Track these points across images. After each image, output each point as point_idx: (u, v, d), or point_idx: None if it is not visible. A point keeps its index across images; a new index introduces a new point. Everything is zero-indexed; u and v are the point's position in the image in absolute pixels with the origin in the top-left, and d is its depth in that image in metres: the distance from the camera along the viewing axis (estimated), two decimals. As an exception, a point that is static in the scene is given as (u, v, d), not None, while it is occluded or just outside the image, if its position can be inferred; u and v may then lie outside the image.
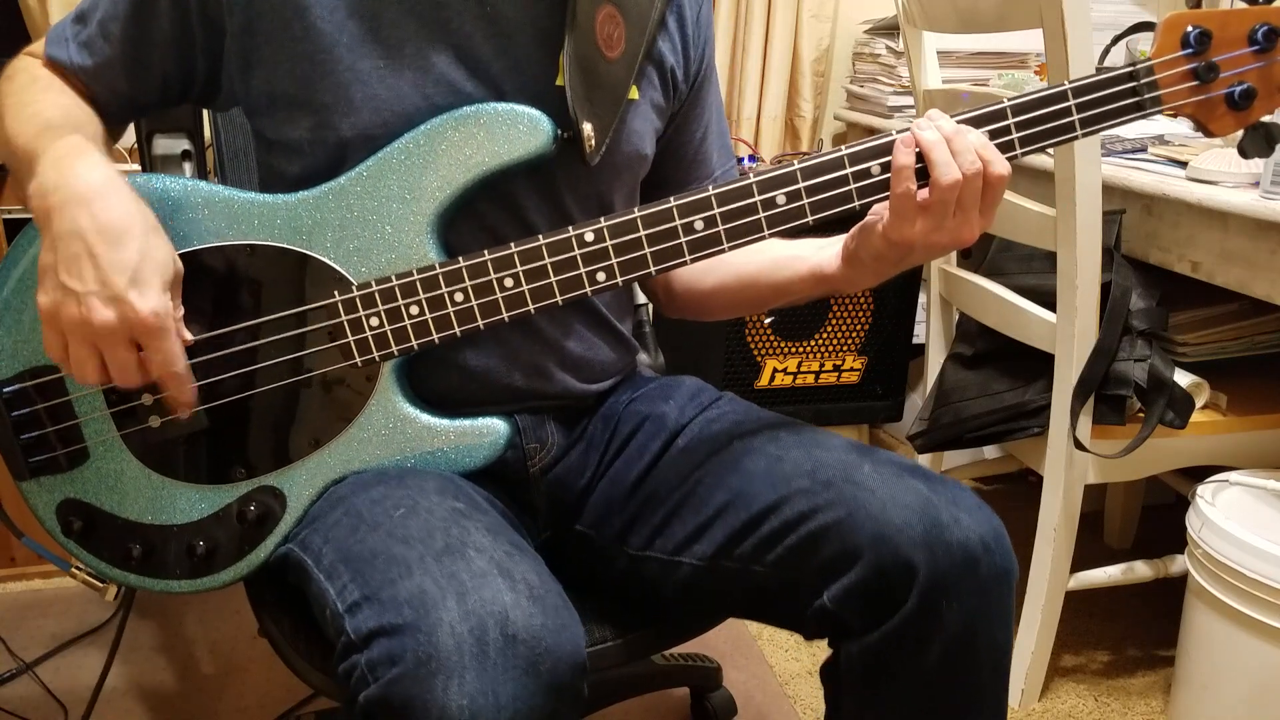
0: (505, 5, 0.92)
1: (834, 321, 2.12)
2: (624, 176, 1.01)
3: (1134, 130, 1.65)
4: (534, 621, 0.74)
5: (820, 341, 2.13)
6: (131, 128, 1.50)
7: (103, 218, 0.81)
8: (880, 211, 0.88)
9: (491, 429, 0.95)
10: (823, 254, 0.96)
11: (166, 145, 1.56)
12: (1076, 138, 0.87)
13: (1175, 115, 0.91)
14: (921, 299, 2.19)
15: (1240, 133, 0.91)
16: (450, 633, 0.72)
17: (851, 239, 0.92)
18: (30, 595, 1.88)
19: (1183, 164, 1.43)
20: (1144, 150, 1.57)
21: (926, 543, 0.84)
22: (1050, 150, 1.43)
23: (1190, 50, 0.87)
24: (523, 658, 0.73)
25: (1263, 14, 0.87)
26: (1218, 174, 1.34)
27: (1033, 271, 1.64)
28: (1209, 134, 0.90)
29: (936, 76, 1.78)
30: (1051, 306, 1.47)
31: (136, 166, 1.67)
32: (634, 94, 0.99)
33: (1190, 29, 0.86)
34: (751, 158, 2.40)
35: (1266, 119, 0.90)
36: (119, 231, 0.82)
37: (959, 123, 0.85)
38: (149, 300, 0.81)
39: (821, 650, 0.94)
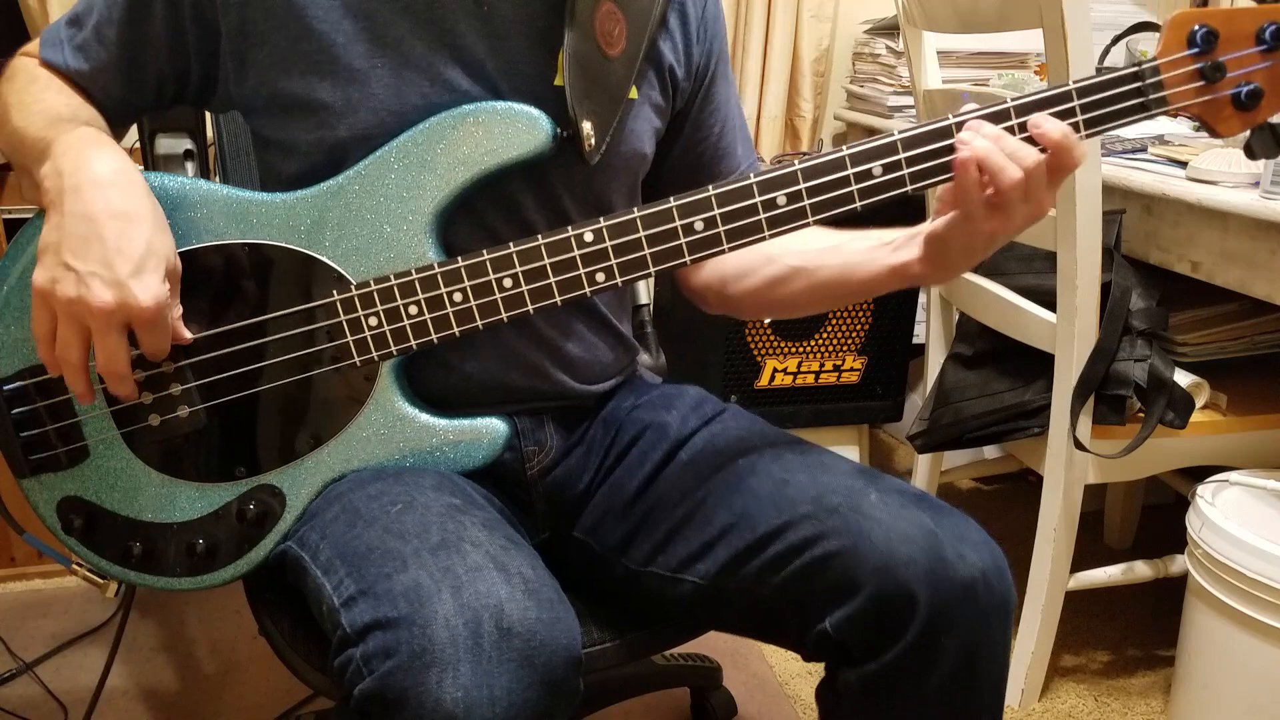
0: (502, 4, 0.92)
1: (834, 321, 2.12)
2: (622, 176, 1.01)
3: (1134, 130, 1.65)
4: (529, 615, 0.74)
5: (820, 341, 2.13)
6: (134, 127, 1.50)
7: (116, 204, 0.83)
8: (945, 203, 0.87)
9: (490, 429, 0.95)
10: (904, 254, 0.94)
11: (169, 145, 1.56)
12: (1081, 139, 0.86)
13: (1176, 115, 0.90)
14: (921, 299, 2.19)
15: (1247, 133, 0.91)
16: (445, 625, 0.72)
17: (935, 240, 0.90)
18: (30, 595, 1.88)
19: (1183, 164, 1.43)
20: (1144, 150, 1.57)
21: (930, 578, 0.83)
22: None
23: (1196, 50, 0.85)
24: (517, 650, 0.73)
25: (1270, 13, 0.85)
26: (1218, 174, 1.34)
27: (1033, 271, 1.64)
28: (1215, 135, 0.89)
29: (936, 76, 1.78)
30: (1051, 306, 1.47)
31: (139, 167, 1.67)
32: (633, 93, 0.99)
33: (1197, 28, 0.85)
34: (752, 158, 2.40)
35: (1274, 119, 0.89)
36: (130, 219, 0.83)
37: (965, 119, 0.85)
38: (149, 288, 0.82)
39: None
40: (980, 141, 0.83)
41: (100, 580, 0.98)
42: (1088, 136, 0.87)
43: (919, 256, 0.92)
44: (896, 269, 0.95)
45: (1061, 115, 0.86)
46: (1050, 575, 1.55)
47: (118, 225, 0.82)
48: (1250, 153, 0.90)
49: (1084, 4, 1.28)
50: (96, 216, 0.82)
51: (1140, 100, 0.86)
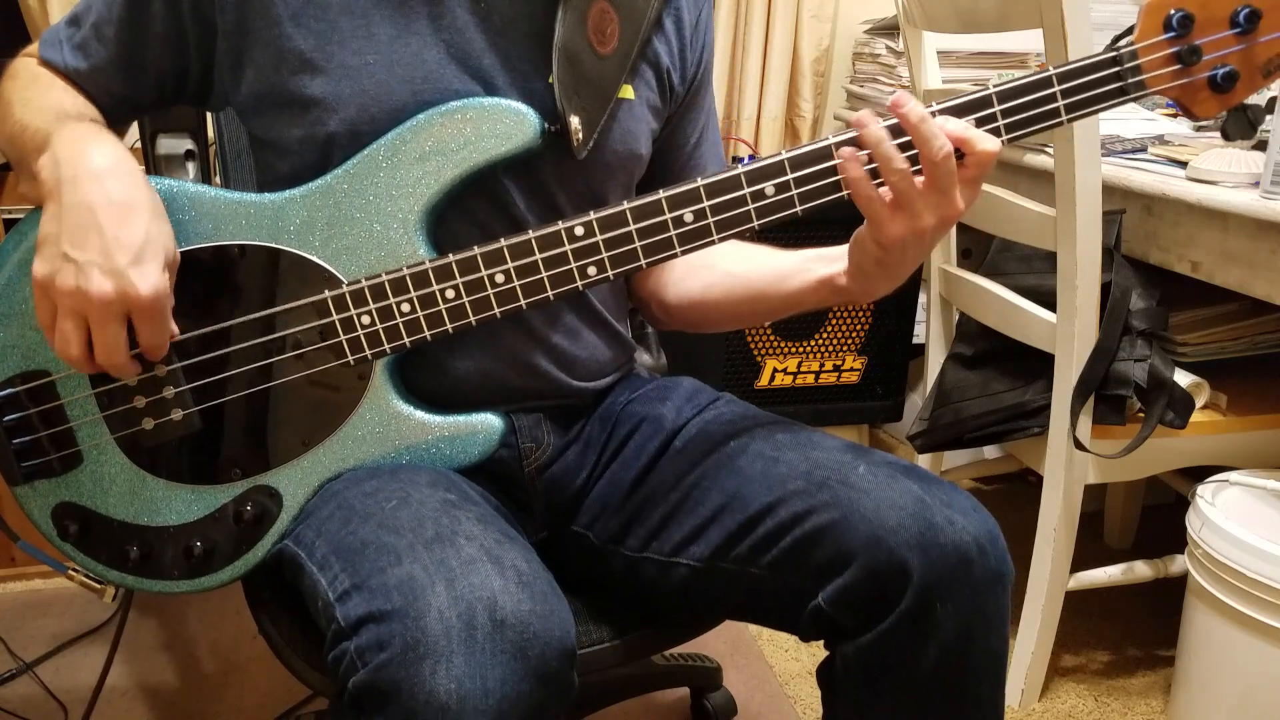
0: (500, 1, 0.92)
1: (834, 321, 2.12)
2: (618, 176, 1.01)
3: (1134, 130, 1.65)
4: (522, 607, 0.74)
5: (820, 341, 2.13)
6: (135, 127, 1.50)
7: (114, 193, 0.83)
8: None
9: (486, 424, 0.95)
10: (834, 266, 0.95)
11: (170, 145, 1.56)
12: (1062, 123, 0.87)
13: (1172, 110, 0.91)
14: (921, 299, 2.19)
15: (1223, 114, 0.91)
16: (439, 618, 0.72)
17: (851, 255, 0.91)
18: (30, 595, 1.89)
19: (1183, 164, 1.43)
20: (1144, 150, 1.57)
21: (920, 544, 0.83)
22: (1050, 149, 1.44)
23: (1173, 33, 0.86)
24: (511, 643, 0.73)
25: None
26: (1218, 174, 1.34)
27: (1033, 271, 1.64)
28: (1193, 117, 0.90)
29: (936, 76, 1.78)
30: (1051, 306, 1.47)
31: (140, 167, 1.68)
32: (629, 93, 0.99)
33: (1173, 11, 0.86)
34: (751, 158, 2.39)
35: (1249, 101, 0.90)
36: (128, 208, 0.83)
37: (943, 110, 0.85)
38: (149, 277, 0.82)
39: (822, 651, 0.94)
40: (873, 129, 0.83)
41: (98, 585, 0.98)
42: (1069, 120, 0.87)
43: (844, 269, 0.93)
44: (825, 280, 0.96)
45: (1041, 100, 0.86)
46: (1050, 575, 1.55)
47: (116, 214, 0.82)
48: (1225, 134, 0.91)
49: (1084, 4, 1.28)
50: (95, 206, 0.82)
51: (1119, 84, 0.87)
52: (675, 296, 1.10)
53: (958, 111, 0.85)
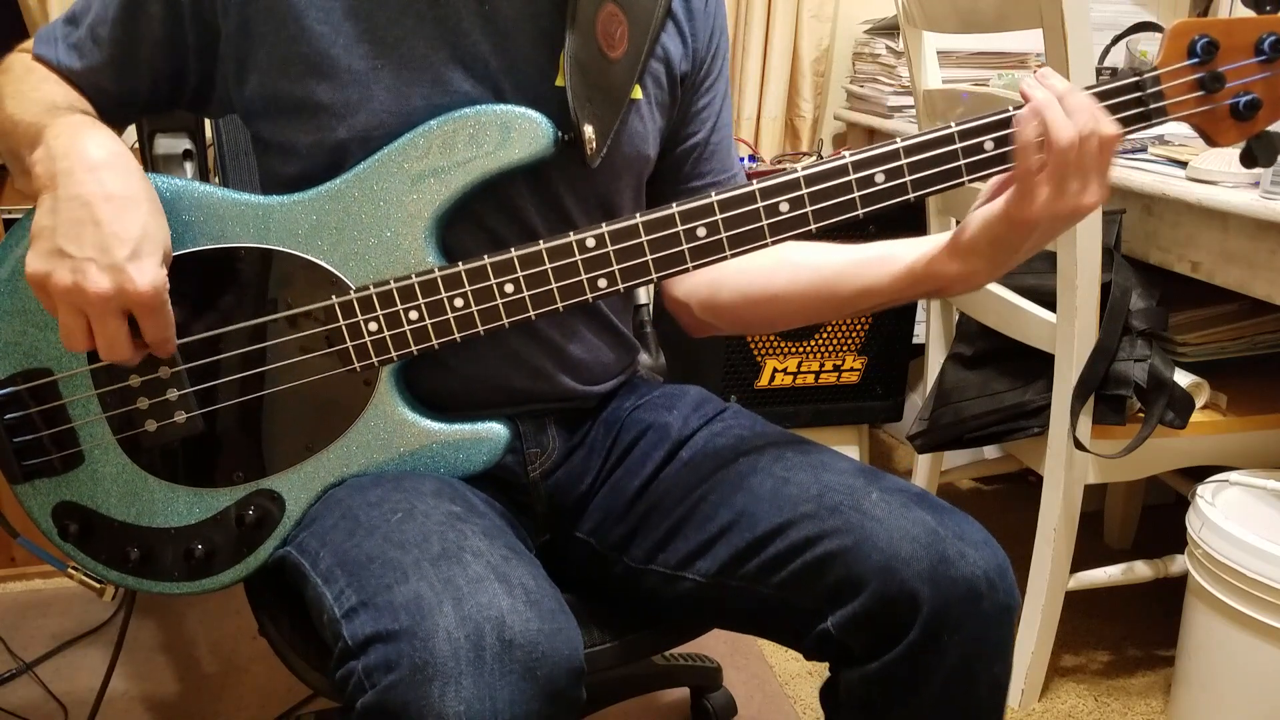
0: (504, 4, 0.92)
1: (834, 321, 2.12)
2: (625, 178, 1.00)
3: (1134, 129, 1.65)
4: (530, 626, 0.74)
5: (820, 341, 2.13)
6: (133, 125, 1.50)
7: (111, 186, 0.81)
8: (988, 195, 0.85)
9: (490, 432, 0.94)
10: (922, 249, 0.90)
11: (168, 145, 1.56)
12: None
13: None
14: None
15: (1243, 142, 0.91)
16: (446, 638, 0.71)
17: (965, 230, 0.86)
18: (30, 595, 1.88)
19: (1183, 164, 1.43)
20: (1144, 150, 1.57)
21: (932, 577, 0.83)
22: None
23: (1196, 60, 0.86)
24: (519, 663, 0.73)
25: (1269, 24, 0.86)
26: (1218, 174, 1.34)
27: (1033, 271, 1.64)
28: (1213, 144, 0.89)
29: (936, 76, 1.78)
30: (1051, 306, 1.47)
31: (135, 159, 1.67)
32: (637, 93, 0.98)
33: (1197, 38, 0.85)
34: (751, 158, 2.40)
35: (1271, 129, 0.89)
36: (125, 202, 0.82)
37: (963, 132, 0.85)
38: (147, 273, 0.81)
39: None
40: (1041, 91, 0.81)
41: (97, 585, 0.98)
42: None
43: (941, 249, 0.88)
44: (911, 266, 0.90)
45: None
46: (1050, 575, 1.55)
47: (113, 208, 0.81)
48: (1248, 161, 0.90)
49: (1084, 4, 1.28)
50: (91, 200, 0.80)
51: (1141, 110, 0.87)
52: (730, 294, 1.04)
53: (986, 129, 0.85)
